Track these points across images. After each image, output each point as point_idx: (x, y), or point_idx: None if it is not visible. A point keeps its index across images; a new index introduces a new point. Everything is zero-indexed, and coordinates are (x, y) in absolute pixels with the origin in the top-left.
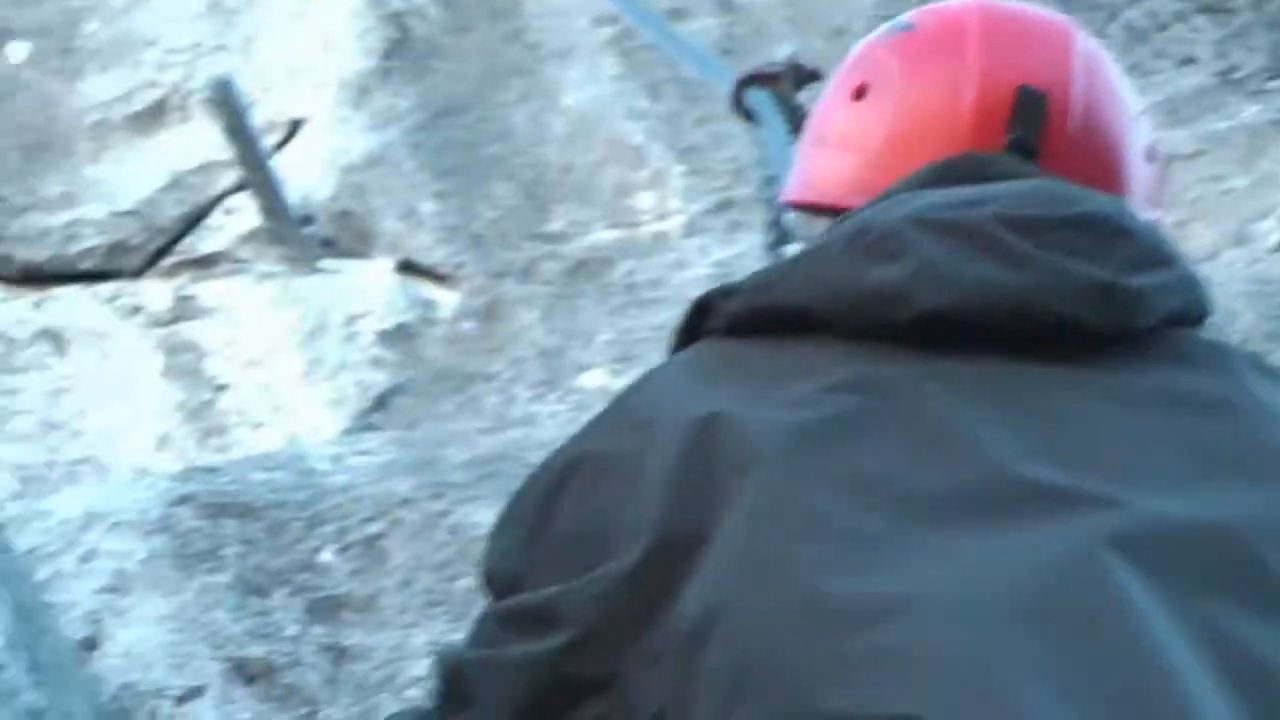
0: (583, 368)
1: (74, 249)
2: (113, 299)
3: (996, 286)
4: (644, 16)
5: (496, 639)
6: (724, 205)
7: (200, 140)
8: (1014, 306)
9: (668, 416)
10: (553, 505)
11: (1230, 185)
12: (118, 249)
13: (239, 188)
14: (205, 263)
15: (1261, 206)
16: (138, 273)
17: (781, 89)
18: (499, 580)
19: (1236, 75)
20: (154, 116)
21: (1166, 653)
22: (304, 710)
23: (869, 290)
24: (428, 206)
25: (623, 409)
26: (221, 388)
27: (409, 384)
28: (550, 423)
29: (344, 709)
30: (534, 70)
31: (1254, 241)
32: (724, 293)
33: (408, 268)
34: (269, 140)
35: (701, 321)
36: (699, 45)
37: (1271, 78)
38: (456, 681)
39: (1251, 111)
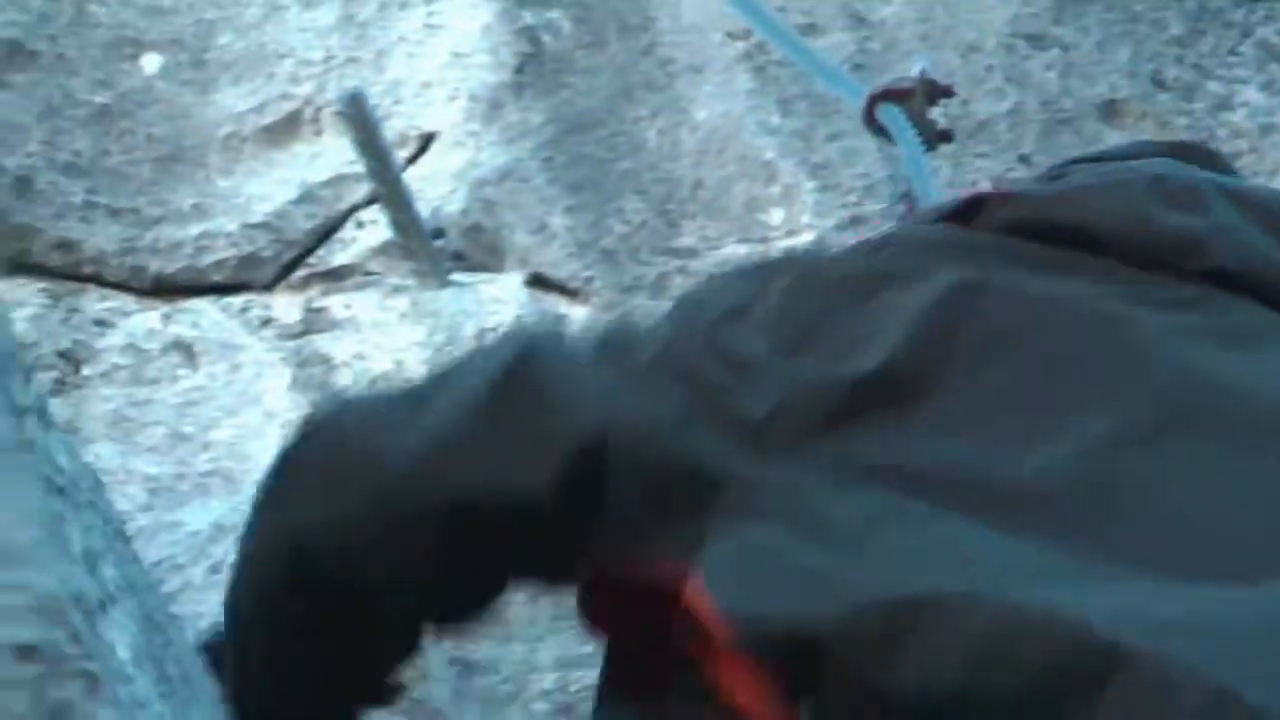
0: None
1: (205, 261)
2: (243, 311)
3: (1275, 262)
4: (777, 32)
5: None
6: (854, 221)
7: (332, 153)
8: None
9: (927, 267)
10: (774, 280)
11: None
12: (249, 261)
13: (370, 201)
14: (336, 275)
15: None
16: (269, 285)
17: (914, 104)
18: (694, 312)
19: None
20: (286, 129)
21: None
22: None
23: (1167, 232)
24: (558, 221)
25: (880, 246)
26: None
27: None
28: None
29: None
30: (666, 86)
31: None
32: (1004, 197)
33: (538, 282)
34: (400, 154)
35: (967, 217)
36: (832, 61)
37: None
38: (625, 339)
39: None
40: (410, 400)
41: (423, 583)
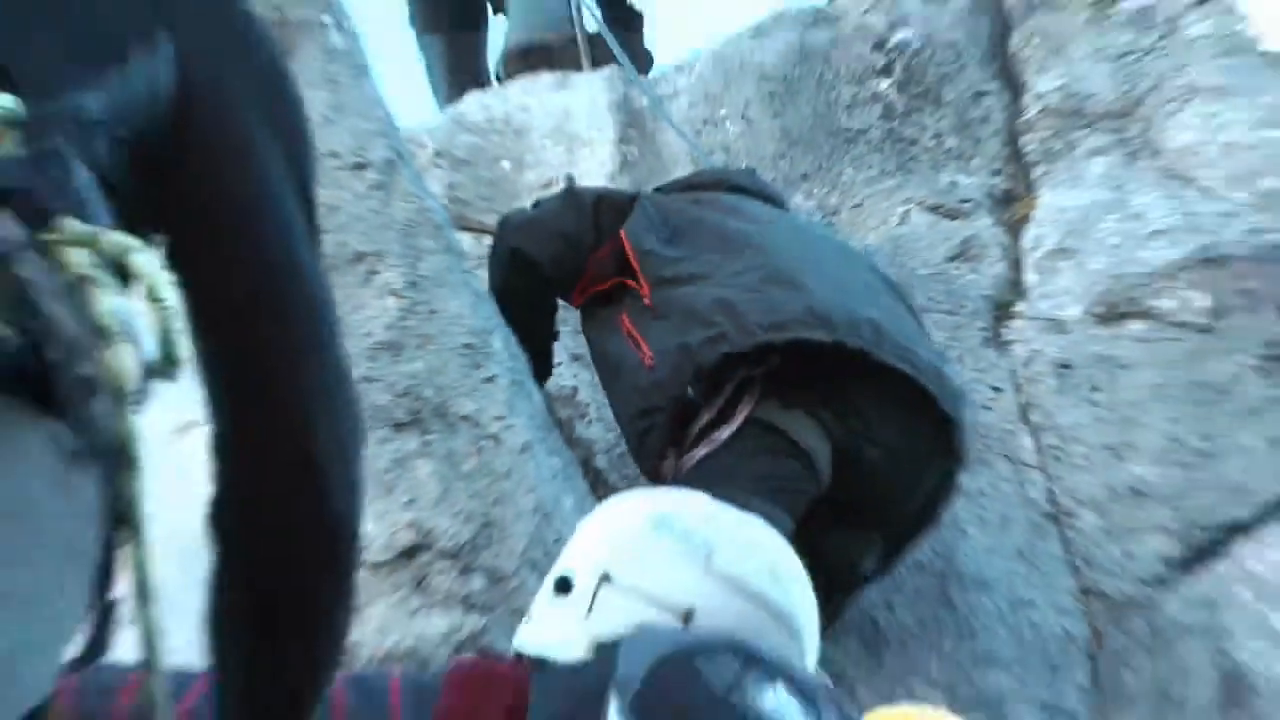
0: None
1: None
2: None
3: (761, 187)
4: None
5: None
6: None
7: None
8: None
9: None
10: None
11: None
12: None
13: None
14: None
15: None
16: None
17: None
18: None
19: None
20: None
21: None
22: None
23: (723, 178)
24: None
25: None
26: None
27: None
28: None
29: None
30: None
31: None
32: (655, 190)
33: None
34: None
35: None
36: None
37: None
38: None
39: None
40: (542, 208)
41: (552, 271)
